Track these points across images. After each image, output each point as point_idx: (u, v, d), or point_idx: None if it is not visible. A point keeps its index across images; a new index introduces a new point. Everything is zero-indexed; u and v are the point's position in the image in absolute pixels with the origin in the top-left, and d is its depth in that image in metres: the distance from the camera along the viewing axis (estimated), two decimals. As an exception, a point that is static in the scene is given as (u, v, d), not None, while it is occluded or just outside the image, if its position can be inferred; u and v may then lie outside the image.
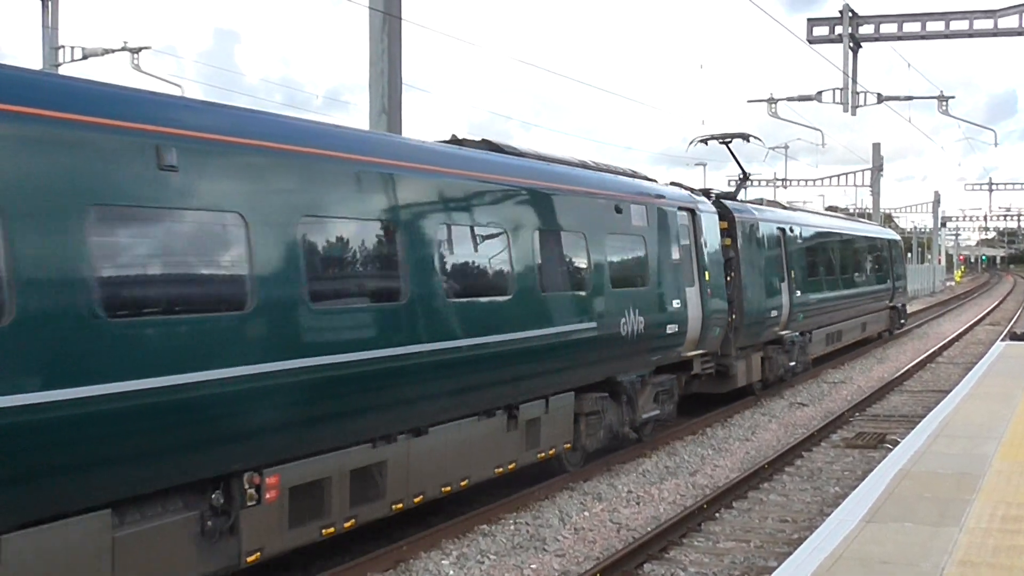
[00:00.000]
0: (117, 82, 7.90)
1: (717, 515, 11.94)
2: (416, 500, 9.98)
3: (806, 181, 67.66)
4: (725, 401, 19.10)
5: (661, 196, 15.54)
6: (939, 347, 31.39)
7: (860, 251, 29.28)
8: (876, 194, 60.51)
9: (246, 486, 7.88)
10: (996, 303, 60.23)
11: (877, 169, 60.20)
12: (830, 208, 73.18)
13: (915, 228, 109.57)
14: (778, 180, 66.70)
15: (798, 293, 21.79)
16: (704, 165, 69.75)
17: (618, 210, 13.85)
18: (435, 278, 9.96)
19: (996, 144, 47.35)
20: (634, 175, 15.67)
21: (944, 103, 33.97)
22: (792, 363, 21.80)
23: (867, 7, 26.94)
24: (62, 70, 27.92)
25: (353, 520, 9.13)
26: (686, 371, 16.25)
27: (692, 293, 15.84)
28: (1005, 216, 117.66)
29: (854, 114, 28.21)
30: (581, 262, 12.84)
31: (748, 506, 12.49)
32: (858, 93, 28.12)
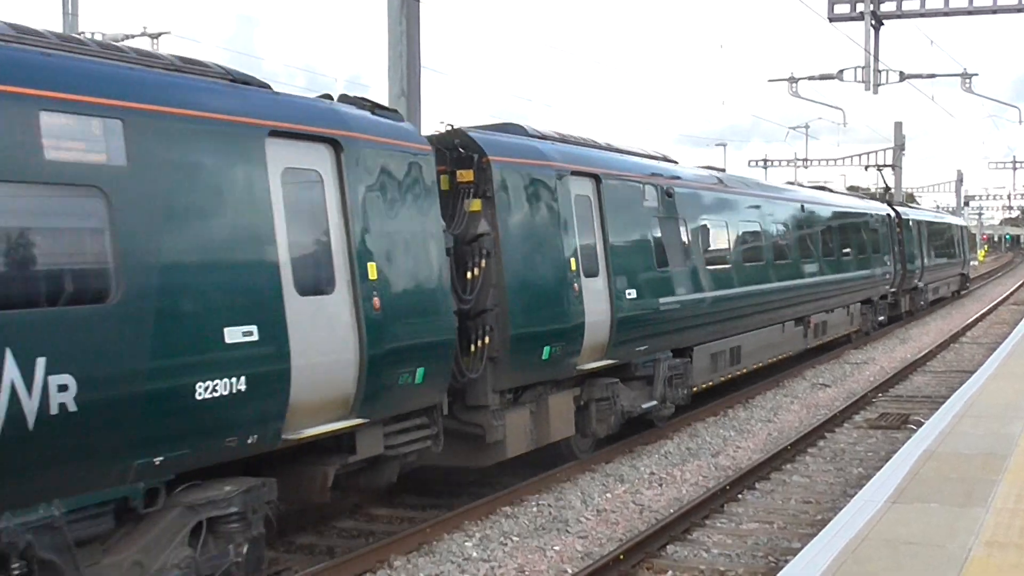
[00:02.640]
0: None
1: (740, 496, 11.90)
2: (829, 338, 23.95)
3: (827, 161, 67.20)
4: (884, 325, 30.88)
5: (878, 210, 29.99)
6: (963, 327, 31.20)
7: (949, 234, 43.40)
8: (898, 173, 59.99)
9: (808, 322, 21.35)
10: (1020, 283, 59.69)
11: (899, 148, 59.70)
12: (851, 188, 72.67)
13: (937, 207, 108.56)
14: (799, 160, 66.30)
15: (925, 260, 35.35)
16: (724, 145, 69.47)
17: (863, 221, 27.95)
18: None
19: (1021, 122, 46.87)
20: (859, 199, 32.89)
21: (967, 81, 33.64)
22: (922, 303, 35.66)
23: (889, -16, 26.66)
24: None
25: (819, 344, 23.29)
26: (884, 299, 30.11)
27: (888, 259, 29.60)
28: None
29: (876, 93, 27.91)
30: (868, 247, 27.27)
31: (771, 487, 12.45)
32: (880, 71, 27.83)
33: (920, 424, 13.77)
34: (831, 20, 25.42)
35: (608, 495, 11.93)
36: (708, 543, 10.18)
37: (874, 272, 27.43)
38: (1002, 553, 7.22)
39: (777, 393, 19.35)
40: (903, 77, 30.54)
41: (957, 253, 45.15)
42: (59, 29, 28.77)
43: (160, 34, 31.17)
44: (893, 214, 31.51)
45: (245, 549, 7.75)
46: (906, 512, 8.33)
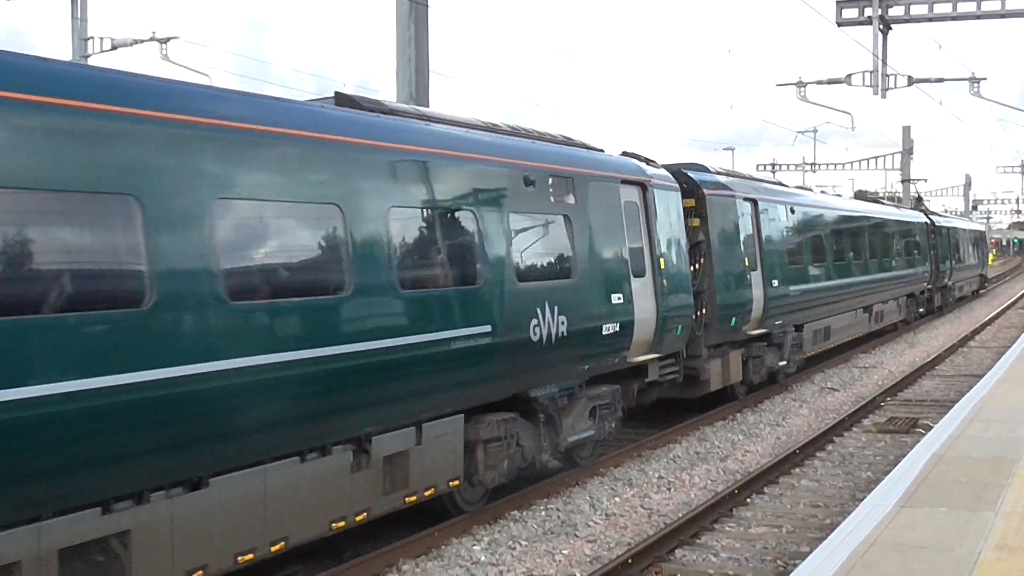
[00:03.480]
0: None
1: (748, 500, 11.90)
2: (884, 324, 28.73)
3: (836, 165, 67.06)
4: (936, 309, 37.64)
5: (918, 219, 35.31)
6: (971, 331, 31.13)
7: (972, 239, 48.43)
8: (906, 183, 59.91)
9: (872, 310, 26.84)
10: (1029, 287, 59.54)
11: (907, 152, 59.62)
12: (859, 193, 72.48)
13: (946, 211, 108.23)
14: (807, 164, 66.20)
15: (952, 262, 40.35)
16: (733, 149, 69.41)
17: (909, 228, 33.44)
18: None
19: (1029, 126, 46.88)
20: (898, 208, 38.28)
21: (976, 85, 33.49)
22: (951, 299, 41.16)
23: (897, -12, 26.58)
24: (92, 61, 28.08)
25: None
26: (923, 295, 34.82)
27: (926, 260, 34.58)
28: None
29: (884, 97, 27.79)
30: (913, 250, 32.75)
31: (779, 491, 12.44)
32: (888, 76, 27.74)
33: (929, 428, 13.74)
34: (839, 25, 25.38)
35: (616, 499, 11.94)
36: (717, 547, 10.18)
37: (917, 271, 32.88)
38: (1011, 557, 7.22)
39: (786, 397, 19.34)
40: (911, 81, 30.43)
41: (978, 256, 50.96)
42: (67, 33, 28.89)
43: (169, 39, 31.13)
44: (929, 222, 36.87)
45: (613, 425, 13.17)
46: (915, 516, 8.33)
